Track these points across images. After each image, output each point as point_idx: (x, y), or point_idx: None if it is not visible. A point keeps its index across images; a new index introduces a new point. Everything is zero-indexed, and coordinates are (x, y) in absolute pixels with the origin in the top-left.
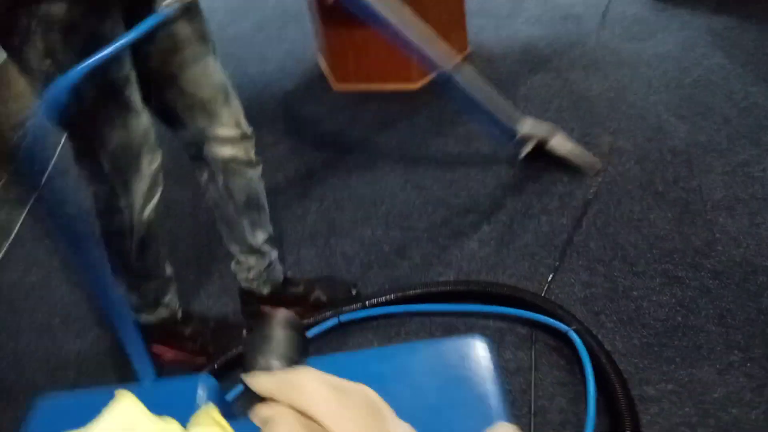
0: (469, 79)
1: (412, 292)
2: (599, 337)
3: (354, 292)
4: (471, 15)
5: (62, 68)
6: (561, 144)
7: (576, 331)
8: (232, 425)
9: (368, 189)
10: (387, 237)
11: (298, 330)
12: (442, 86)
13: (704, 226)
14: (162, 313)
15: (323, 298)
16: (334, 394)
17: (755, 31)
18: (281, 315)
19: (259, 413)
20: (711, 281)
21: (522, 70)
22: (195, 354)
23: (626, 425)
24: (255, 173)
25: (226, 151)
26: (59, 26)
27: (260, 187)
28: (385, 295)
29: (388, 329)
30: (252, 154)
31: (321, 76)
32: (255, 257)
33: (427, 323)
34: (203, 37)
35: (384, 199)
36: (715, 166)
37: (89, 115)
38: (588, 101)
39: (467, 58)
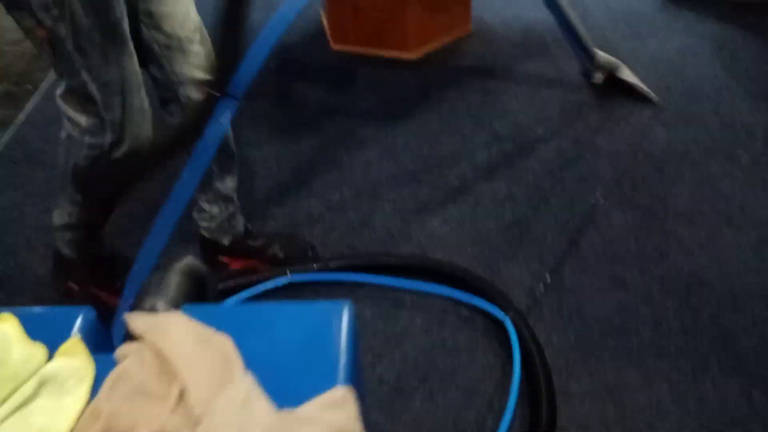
0: (567, 8)
1: (360, 262)
2: (536, 328)
3: (311, 253)
4: None
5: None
6: (629, 74)
7: (511, 319)
8: (100, 358)
9: (345, 154)
10: (354, 204)
11: (196, 278)
12: (547, 6)
13: (661, 234)
14: (96, 250)
15: (280, 254)
16: (192, 341)
17: (758, 47)
18: (183, 261)
19: (122, 350)
20: (655, 288)
21: (518, 54)
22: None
23: (543, 416)
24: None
25: (201, 95)
26: None
27: (231, 134)
28: (336, 260)
29: (338, 296)
30: None
31: (322, 34)
32: (218, 206)
33: (375, 294)
34: None
35: (358, 166)
36: (686, 177)
37: (85, 49)
38: (576, 95)
39: (468, 37)
